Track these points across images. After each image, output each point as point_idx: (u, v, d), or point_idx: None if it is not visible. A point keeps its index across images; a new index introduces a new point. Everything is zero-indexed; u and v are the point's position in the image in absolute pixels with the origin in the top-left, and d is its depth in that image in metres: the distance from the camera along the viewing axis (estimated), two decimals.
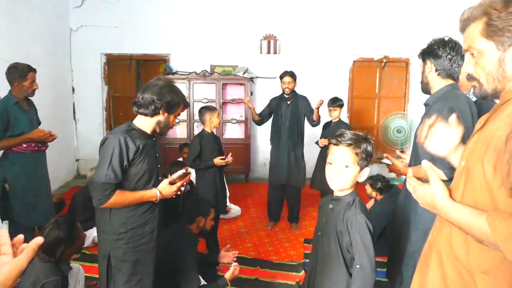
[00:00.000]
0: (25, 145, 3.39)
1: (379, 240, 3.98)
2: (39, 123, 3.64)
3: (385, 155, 2.69)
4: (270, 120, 4.87)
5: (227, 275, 2.86)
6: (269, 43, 7.01)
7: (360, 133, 1.84)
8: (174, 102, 2.19)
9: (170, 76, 6.55)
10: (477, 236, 1.16)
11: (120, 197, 2.10)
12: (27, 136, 3.36)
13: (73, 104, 7.07)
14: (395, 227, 2.69)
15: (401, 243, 2.52)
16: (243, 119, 6.81)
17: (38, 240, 0.91)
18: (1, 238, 0.90)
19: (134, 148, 2.10)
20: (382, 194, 4.12)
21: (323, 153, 4.80)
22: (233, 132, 6.95)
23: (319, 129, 5.03)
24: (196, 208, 3.08)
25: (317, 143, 4.84)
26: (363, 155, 1.78)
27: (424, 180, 1.39)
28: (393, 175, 2.82)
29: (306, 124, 4.75)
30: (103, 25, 6.89)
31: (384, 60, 7.04)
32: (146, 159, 2.16)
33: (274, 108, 4.76)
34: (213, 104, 6.36)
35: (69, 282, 2.61)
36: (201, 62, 6.86)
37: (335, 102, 4.71)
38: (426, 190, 1.33)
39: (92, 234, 4.06)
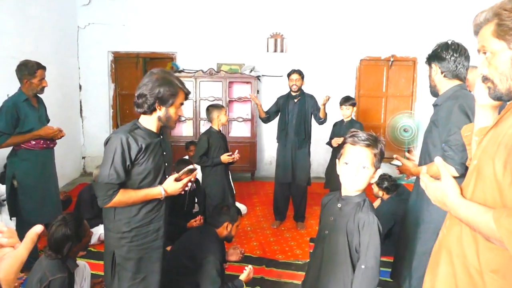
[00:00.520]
0: (34, 142, 3.40)
1: (385, 240, 3.97)
2: (48, 120, 3.66)
3: (395, 156, 2.68)
4: (277, 119, 4.86)
5: (243, 276, 2.86)
6: (276, 41, 6.99)
7: (374, 134, 1.81)
8: (168, 94, 2.08)
9: (177, 74, 6.56)
10: (484, 233, 1.17)
11: (123, 197, 2.08)
12: (36, 133, 3.37)
13: (80, 102, 7.10)
14: (405, 227, 2.67)
15: (410, 244, 2.51)
16: (249, 117, 6.80)
17: (37, 228, 0.87)
18: None
19: (137, 148, 2.07)
20: (389, 193, 4.11)
21: (337, 152, 4.75)
22: (239, 130, 6.94)
23: (326, 127, 5.00)
24: (226, 213, 3.07)
25: (329, 144, 4.78)
26: (379, 156, 1.76)
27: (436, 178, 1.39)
28: (399, 174, 2.82)
29: (313, 122, 4.73)
30: (110, 23, 6.91)
31: (391, 59, 6.99)
32: (151, 158, 2.13)
33: (281, 106, 4.76)
34: (220, 103, 6.36)
35: (75, 280, 2.61)
36: (207, 60, 6.85)
37: (348, 101, 4.68)
38: (437, 187, 1.34)
39: (98, 231, 4.08)
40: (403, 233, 2.70)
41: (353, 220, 1.77)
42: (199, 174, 4.09)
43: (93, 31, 6.90)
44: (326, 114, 4.58)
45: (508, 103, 1.31)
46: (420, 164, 2.52)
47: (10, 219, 3.65)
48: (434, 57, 2.40)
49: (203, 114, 6.48)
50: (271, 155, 6.77)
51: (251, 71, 6.62)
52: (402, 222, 2.80)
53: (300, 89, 4.66)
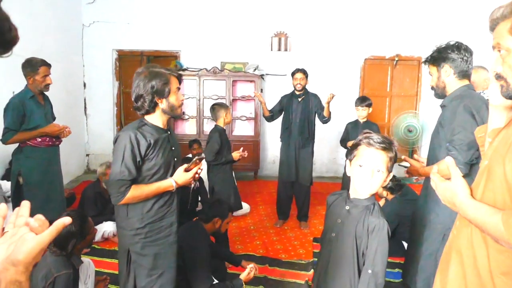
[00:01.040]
0: (39, 139, 3.42)
1: (389, 240, 3.95)
2: (53, 118, 3.67)
3: (403, 157, 2.68)
4: (280, 118, 4.85)
5: (243, 276, 2.85)
6: (279, 40, 6.98)
7: (387, 137, 1.78)
8: (161, 84, 2.10)
9: (181, 73, 6.55)
10: (493, 235, 1.15)
11: (136, 192, 2.10)
12: (42, 130, 3.39)
13: (84, 100, 7.12)
14: (413, 228, 2.66)
15: (417, 245, 2.50)
16: (253, 116, 6.80)
17: (66, 220, 0.87)
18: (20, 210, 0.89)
19: (146, 144, 2.09)
20: (393, 193, 4.09)
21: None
22: (242, 129, 6.94)
23: (330, 127, 4.99)
24: (216, 209, 3.07)
25: (344, 145, 4.70)
26: (394, 160, 1.73)
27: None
28: (403, 174, 2.81)
29: (317, 122, 4.72)
30: (115, 21, 6.92)
31: (396, 58, 6.98)
32: (160, 153, 2.15)
33: (285, 105, 4.74)
34: (223, 101, 6.36)
35: (80, 276, 2.62)
36: (211, 59, 6.86)
37: (364, 101, 4.61)
38: (447, 187, 1.33)
39: (102, 229, 4.09)
40: (412, 234, 2.69)
41: (363, 224, 1.74)
42: (203, 173, 4.09)
43: (98, 29, 6.92)
44: (330, 112, 4.56)
45: None
46: (428, 164, 2.51)
47: None
48: (445, 58, 2.36)
49: (207, 113, 6.52)
50: (275, 154, 6.77)
51: (254, 69, 6.62)
52: (411, 224, 2.79)
53: (304, 88, 4.65)
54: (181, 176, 2.19)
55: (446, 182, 1.34)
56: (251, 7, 6.89)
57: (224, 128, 3.98)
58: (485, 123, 1.90)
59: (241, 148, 3.96)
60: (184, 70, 6.67)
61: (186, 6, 6.90)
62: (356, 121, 4.75)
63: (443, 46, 2.39)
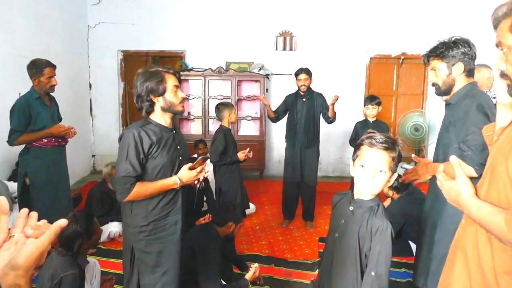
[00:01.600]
0: (45, 140, 3.43)
1: (396, 240, 3.93)
2: (60, 119, 3.69)
3: (412, 155, 2.65)
4: (286, 118, 4.84)
5: (248, 276, 2.86)
6: (285, 39, 6.97)
7: (391, 136, 1.76)
8: (155, 83, 2.14)
9: (186, 73, 6.58)
10: (496, 234, 1.16)
11: (141, 188, 2.12)
12: (47, 131, 3.40)
13: (90, 100, 7.15)
14: (423, 230, 2.61)
15: (429, 247, 2.46)
16: (258, 116, 6.80)
17: (62, 222, 0.87)
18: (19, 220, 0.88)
19: (149, 141, 2.12)
20: (399, 193, 4.07)
21: None
22: (248, 129, 6.94)
23: (336, 126, 4.98)
24: (231, 213, 3.09)
25: (352, 145, 4.72)
26: (397, 160, 1.70)
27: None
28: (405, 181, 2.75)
29: (322, 121, 4.70)
30: (120, 22, 6.93)
31: (402, 57, 6.94)
32: (164, 152, 2.17)
33: (290, 105, 4.73)
34: (228, 101, 6.35)
35: (86, 276, 2.63)
36: (216, 59, 6.86)
37: (373, 100, 4.57)
38: (451, 186, 1.33)
39: (108, 229, 4.10)
40: (421, 236, 2.64)
41: (366, 225, 1.72)
42: (210, 174, 4.08)
43: (103, 30, 6.94)
44: (335, 113, 4.54)
45: None
46: (436, 161, 2.47)
47: None
48: (459, 54, 2.26)
49: (212, 113, 6.51)
50: (280, 154, 6.75)
51: (260, 69, 6.61)
52: (420, 225, 2.74)
53: (308, 88, 4.63)
54: (185, 174, 2.21)
55: (451, 181, 1.34)
56: (256, 7, 6.88)
57: (230, 128, 3.96)
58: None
59: (248, 149, 3.94)
60: (189, 70, 6.68)
61: (191, 6, 6.90)
62: (365, 120, 4.72)
63: (452, 40, 2.29)
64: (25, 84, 3.53)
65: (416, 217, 3.34)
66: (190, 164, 2.24)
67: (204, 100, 6.70)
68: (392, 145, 1.68)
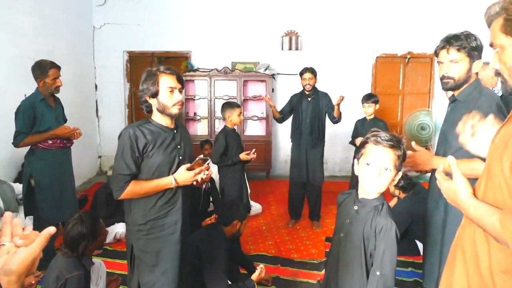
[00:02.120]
0: (50, 142, 3.43)
1: (402, 239, 3.91)
2: (65, 120, 3.69)
3: (413, 143, 2.59)
4: (291, 118, 4.82)
5: (254, 276, 2.85)
6: (290, 39, 6.95)
7: (396, 134, 1.74)
8: (149, 84, 2.15)
9: (191, 73, 6.58)
10: (492, 234, 1.17)
11: (135, 187, 2.14)
12: (52, 133, 3.40)
13: (96, 101, 7.17)
14: (429, 230, 2.56)
15: (437, 247, 2.42)
16: (264, 116, 6.78)
17: (51, 229, 0.91)
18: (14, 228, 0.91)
19: (144, 140, 2.13)
20: (405, 192, 4.05)
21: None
22: (254, 129, 6.93)
23: (341, 126, 4.95)
24: (235, 212, 3.09)
25: (352, 143, 4.73)
26: (402, 159, 1.69)
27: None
28: (416, 173, 2.71)
29: (328, 121, 4.68)
30: (125, 23, 6.95)
31: (408, 56, 6.90)
32: (161, 151, 2.17)
33: (295, 105, 4.71)
34: (234, 101, 6.33)
35: (91, 277, 2.63)
36: (222, 59, 6.85)
37: (370, 98, 4.60)
38: (449, 186, 1.33)
39: (114, 230, 4.10)
40: (428, 237, 2.59)
41: (370, 224, 1.71)
42: (215, 173, 4.07)
43: (109, 31, 6.96)
44: (340, 113, 4.52)
45: None
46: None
47: (25, 217, 3.69)
48: (479, 51, 2.16)
49: (218, 113, 6.51)
50: (287, 154, 6.73)
51: (265, 69, 6.60)
52: (425, 225, 2.69)
53: (313, 87, 4.61)
54: (182, 174, 2.19)
55: (449, 181, 1.34)
56: (261, 7, 6.87)
57: (234, 128, 3.93)
58: None
59: (253, 150, 3.92)
60: (195, 70, 6.68)
61: (196, 7, 6.91)
62: (364, 118, 4.74)
63: (474, 35, 2.15)
64: (30, 86, 3.53)
65: (422, 216, 3.31)
66: (188, 165, 2.22)
67: (210, 100, 6.69)
68: (397, 143, 1.68)
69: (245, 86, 6.77)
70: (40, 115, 3.36)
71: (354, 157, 4.85)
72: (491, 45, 1.29)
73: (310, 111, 4.60)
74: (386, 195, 2.37)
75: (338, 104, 4.40)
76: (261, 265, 2.96)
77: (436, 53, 2.27)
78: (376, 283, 1.66)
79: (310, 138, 4.61)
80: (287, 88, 6.37)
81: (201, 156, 2.33)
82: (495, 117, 1.87)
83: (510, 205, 1.16)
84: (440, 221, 2.40)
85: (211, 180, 4.30)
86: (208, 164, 2.32)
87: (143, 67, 7.07)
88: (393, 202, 4.17)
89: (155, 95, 2.16)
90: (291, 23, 6.91)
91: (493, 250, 1.22)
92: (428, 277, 2.55)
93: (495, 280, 1.21)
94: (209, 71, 6.62)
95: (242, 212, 3.12)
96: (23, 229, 0.92)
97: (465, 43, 2.14)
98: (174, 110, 2.19)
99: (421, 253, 2.95)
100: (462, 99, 2.25)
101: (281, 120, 4.85)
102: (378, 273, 1.66)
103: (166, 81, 2.16)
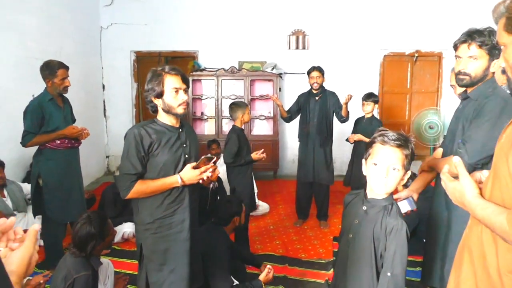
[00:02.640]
0: (58, 142, 3.44)
1: (411, 239, 3.87)
2: (73, 120, 3.70)
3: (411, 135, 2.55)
4: (299, 117, 4.80)
5: (262, 276, 2.84)
6: (297, 38, 6.93)
7: (404, 133, 1.72)
8: (154, 85, 2.16)
9: (198, 73, 6.59)
10: (499, 234, 1.16)
11: (141, 186, 2.16)
12: (60, 133, 3.41)
13: (104, 101, 7.20)
14: (433, 229, 2.54)
15: (441, 247, 2.39)
16: (272, 115, 6.77)
17: (36, 227, 0.93)
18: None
19: (149, 140, 2.15)
20: None
21: (357, 149, 4.71)
22: (261, 128, 6.92)
23: (348, 125, 4.94)
24: (231, 209, 3.08)
25: (347, 140, 4.75)
26: (410, 158, 1.67)
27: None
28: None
29: (335, 120, 4.66)
30: (132, 23, 6.97)
31: (416, 55, 6.85)
32: (166, 150, 2.18)
33: (302, 104, 4.69)
34: (241, 100, 6.33)
35: (99, 277, 2.63)
36: (229, 59, 6.84)
37: (370, 97, 4.63)
38: (456, 187, 1.32)
39: (121, 229, 4.12)
40: (432, 235, 2.56)
41: (380, 225, 1.69)
42: (222, 173, 4.06)
43: (116, 31, 6.98)
44: (348, 112, 4.50)
45: None
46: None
47: (34, 217, 3.71)
48: (499, 49, 2.00)
49: (225, 113, 6.51)
50: (294, 153, 6.70)
51: (272, 68, 6.58)
52: (428, 224, 2.67)
53: (321, 86, 4.59)
54: (187, 173, 2.19)
55: (455, 182, 1.33)
56: (268, 6, 6.86)
57: (242, 128, 3.92)
58: None
59: (262, 150, 3.91)
60: (202, 70, 6.68)
61: (203, 6, 6.90)
62: (362, 117, 4.79)
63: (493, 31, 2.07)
64: (38, 86, 3.55)
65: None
66: (193, 164, 2.23)
67: (217, 100, 6.69)
68: (405, 143, 1.66)
69: (252, 86, 6.76)
70: (48, 115, 3.37)
71: (352, 154, 4.87)
72: (497, 43, 1.30)
73: (317, 110, 4.58)
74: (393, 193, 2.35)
75: (346, 103, 4.38)
76: (269, 266, 2.94)
77: (456, 47, 2.18)
78: (387, 284, 1.64)
79: (317, 138, 4.59)
80: (294, 88, 6.35)
81: (219, 155, 2.32)
82: (492, 124, 1.86)
83: None
84: (445, 221, 2.38)
85: (219, 179, 4.29)
86: (214, 163, 2.32)
87: (150, 66, 7.06)
88: None
89: (160, 95, 2.17)
90: (298, 22, 6.89)
91: (500, 250, 1.21)
92: (428, 276, 2.53)
93: (503, 280, 1.20)
94: (216, 71, 6.62)
95: (237, 206, 3.11)
96: (15, 233, 0.93)
97: (487, 40, 2.05)
98: (180, 110, 2.20)
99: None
100: (474, 97, 2.18)
101: (288, 119, 4.84)
102: (389, 274, 1.65)
103: (171, 82, 2.17)
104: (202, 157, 2.29)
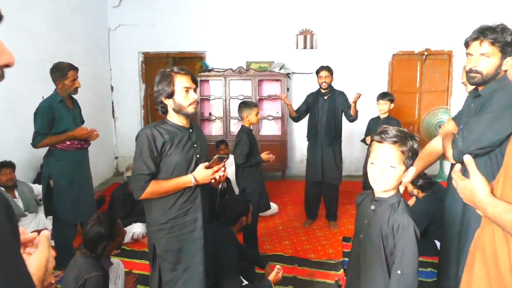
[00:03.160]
0: (68, 143, 3.47)
1: (421, 239, 3.84)
2: (82, 121, 3.73)
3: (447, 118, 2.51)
4: (307, 117, 4.78)
5: (271, 277, 2.83)
6: (305, 38, 6.91)
7: (405, 130, 1.71)
8: (165, 85, 2.18)
9: (206, 73, 6.59)
10: (510, 232, 1.15)
11: (155, 187, 2.17)
12: (70, 134, 3.44)
13: (112, 103, 7.23)
14: (449, 228, 2.51)
15: (456, 245, 2.36)
16: (280, 115, 6.76)
17: (45, 232, 0.94)
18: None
19: (162, 140, 2.16)
20: (424, 191, 3.98)
21: None
22: (269, 128, 6.91)
23: (357, 125, 4.91)
24: (238, 209, 3.07)
25: (363, 141, 4.70)
26: (409, 154, 1.65)
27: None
28: (435, 172, 2.66)
29: (344, 120, 4.64)
30: (140, 24, 7.00)
31: (425, 53, 6.79)
32: (179, 150, 2.20)
33: (311, 104, 4.68)
34: (251, 100, 6.32)
35: (110, 277, 2.64)
36: (237, 59, 6.85)
37: (386, 96, 4.56)
38: (466, 185, 1.31)
39: (131, 230, 4.13)
40: (446, 235, 2.53)
41: (388, 222, 1.68)
42: (230, 174, 4.06)
43: (124, 32, 7.02)
44: (356, 111, 4.47)
45: None
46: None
47: (46, 218, 3.73)
48: None
49: (233, 113, 6.52)
50: (302, 154, 6.70)
51: (280, 68, 6.57)
52: (443, 224, 2.63)
53: (329, 86, 4.58)
54: (200, 172, 2.21)
55: (466, 181, 1.32)
56: (275, 6, 6.85)
57: (251, 128, 3.91)
58: None
59: (268, 151, 3.90)
60: (209, 70, 6.69)
61: (210, 7, 6.91)
62: (378, 117, 4.69)
63: (509, 30, 2.03)
64: (47, 88, 3.58)
65: (441, 216, 3.26)
66: (206, 163, 2.25)
67: (225, 100, 6.69)
68: (402, 138, 1.64)
69: (260, 86, 6.75)
70: (58, 116, 3.40)
71: (367, 156, 4.82)
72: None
73: (326, 110, 4.56)
74: (405, 195, 2.34)
75: (355, 102, 4.36)
76: (278, 266, 2.93)
77: (467, 44, 2.15)
78: (398, 282, 1.63)
79: (326, 137, 4.57)
80: (302, 87, 6.34)
81: (227, 155, 2.34)
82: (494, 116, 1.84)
83: None
84: (459, 220, 2.35)
85: (227, 180, 4.28)
86: (224, 163, 2.33)
87: (158, 68, 7.11)
88: (411, 202, 4.11)
89: (171, 95, 2.19)
90: (305, 22, 6.87)
91: None
92: (444, 277, 2.50)
93: None
94: (224, 71, 6.62)
95: (244, 206, 3.11)
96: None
97: (500, 37, 2.02)
98: (190, 110, 2.22)
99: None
100: (485, 95, 2.15)
101: (297, 119, 4.82)
102: (399, 271, 1.63)
103: (182, 82, 2.20)
104: (215, 157, 2.32)
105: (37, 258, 0.86)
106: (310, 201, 4.80)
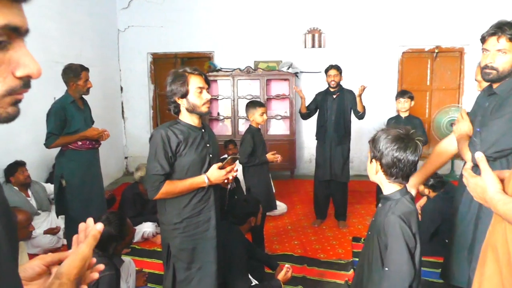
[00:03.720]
0: (80, 143, 3.53)
1: (432, 239, 3.82)
2: (92, 122, 3.78)
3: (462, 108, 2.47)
4: (315, 116, 4.77)
5: (280, 276, 2.83)
6: (313, 36, 6.89)
7: (404, 128, 1.71)
8: (179, 85, 2.20)
9: (214, 73, 6.60)
10: None
11: (170, 187, 2.20)
12: (82, 134, 3.50)
13: (122, 103, 7.28)
14: (458, 226, 2.47)
15: (465, 244, 2.33)
16: (288, 115, 6.74)
17: (98, 226, 0.91)
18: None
19: (176, 140, 2.19)
20: (435, 191, 3.95)
21: None
22: (277, 128, 6.90)
23: (367, 123, 4.87)
24: (248, 209, 3.08)
25: None
26: (371, 146, 1.78)
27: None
28: (446, 171, 2.64)
29: (353, 119, 4.62)
30: (149, 25, 7.04)
31: (436, 51, 6.72)
32: (193, 150, 2.23)
33: (320, 102, 4.66)
34: (258, 100, 6.30)
35: (121, 275, 2.66)
36: (244, 58, 6.85)
37: (405, 94, 4.39)
38: (477, 183, 1.30)
39: (141, 229, 4.16)
40: (456, 234, 2.50)
41: (383, 220, 1.70)
42: (239, 173, 4.06)
43: (133, 33, 7.06)
44: (364, 107, 4.44)
45: None
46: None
47: (57, 217, 3.77)
48: None
49: (241, 113, 6.52)
50: (311, 153, 6.68)
51: (288, 68, 6.56)
52: (453, 223, 2.60)
53: (338, 84, 4.56)
54: (214, 172, 2.24)
55: (477, 178, 1.30)
56: (283, 5, 6.84)
57: (258, 128, 3.89)
58: None
59: (274, 152, 3.89)
60: (217, 70, 6.70)
61: (218, 7, 6.92)
62: (398, 116, 4.53)
63: None
64: (59, 89, 3.62)
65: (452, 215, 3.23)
66: (219, 164, 2.28)
67: (233, 100, 6.70)
68: (373, 137, 1.76)
69: (268, 85, 6.75)
70: (70, 117, 3.46)
71: None
72: None
73: (335, 109, 4.55)
74: (416, 195, 2.32)
75: (360, 95, 4.32)
76: (287, 265, 2.93)
77: (484, 39, 2.09)
78: (384, 279, 1.63)
79: (335, 136, 4.55)
80: (311, 86, 6.31)
81: (236, 155, 2.36)
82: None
83: None
84: (473, 218, 2.31)
85: (236, 180, 4.28)
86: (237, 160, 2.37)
87: (166, 68, 7.19)
88: (422, 201, 4.08)
89: (185, 95, 2.21)
90: (313, 20, 6.85)
91: None
92: (455, 275, 2.46)
93: None
94: (232, 71, 6.63)
95: (253, 206, 3.11)
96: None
97: None
98: (204, 109, 2.25)
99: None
100: (501, 93, 2.10)
101: (306, 116, 4.78)
102: (386, 269, 1.64)
103: (195, 82, 2.22)
104: (228, 157, 2.35)
105: (73, 257, 0.84)
106: (319, 200, 4.78)
